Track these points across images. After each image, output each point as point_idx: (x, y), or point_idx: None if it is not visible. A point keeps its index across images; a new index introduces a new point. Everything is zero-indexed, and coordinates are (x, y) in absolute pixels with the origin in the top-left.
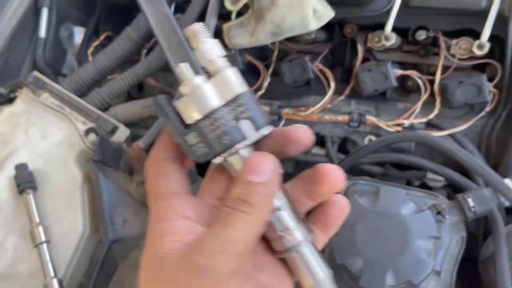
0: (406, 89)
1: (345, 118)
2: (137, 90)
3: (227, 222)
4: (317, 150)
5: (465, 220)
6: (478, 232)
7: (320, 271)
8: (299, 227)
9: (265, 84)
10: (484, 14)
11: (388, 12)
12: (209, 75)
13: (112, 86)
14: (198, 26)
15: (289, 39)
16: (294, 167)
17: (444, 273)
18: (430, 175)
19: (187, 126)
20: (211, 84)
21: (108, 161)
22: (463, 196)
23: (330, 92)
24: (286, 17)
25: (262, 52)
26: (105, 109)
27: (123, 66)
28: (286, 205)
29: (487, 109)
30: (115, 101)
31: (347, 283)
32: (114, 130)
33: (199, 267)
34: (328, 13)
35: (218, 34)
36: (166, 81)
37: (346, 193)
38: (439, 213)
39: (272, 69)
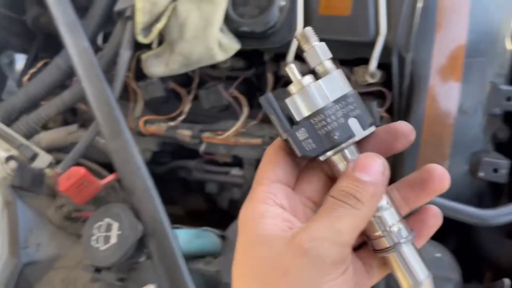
0: None
1: (258, 141)
2: (72, 115)
3: (335, 212)
4: (236, 172)
5: None
6: None
7: (421, 272)
8: (401, 226)
9: (186, 109)
10: (373, 45)
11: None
12: (317, 76)
13: (39, 113)
14: (308, 31)
15: (212, 66)
16: (218, 188)
17: None
18: None
19: (295, 123)
20: (321, 83)
21: (28, 187)
22: None
23: (242, 117)
24: (193, 49)
25: (185, 79)
26: (31, 135)
27: (57, 91)
28: (389, 204)
29: None
30: (50, 126)
31: None
32: (34, 157)
33: (305, 250)
34: (233, 46)
35: (137, 62)
36: None
37: None
38: None
39: (193, 95)
